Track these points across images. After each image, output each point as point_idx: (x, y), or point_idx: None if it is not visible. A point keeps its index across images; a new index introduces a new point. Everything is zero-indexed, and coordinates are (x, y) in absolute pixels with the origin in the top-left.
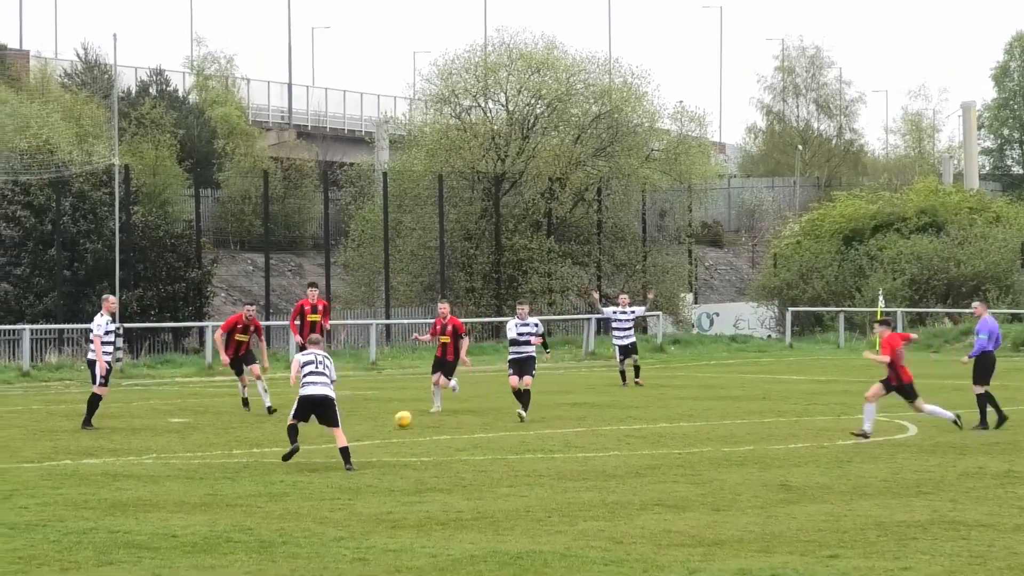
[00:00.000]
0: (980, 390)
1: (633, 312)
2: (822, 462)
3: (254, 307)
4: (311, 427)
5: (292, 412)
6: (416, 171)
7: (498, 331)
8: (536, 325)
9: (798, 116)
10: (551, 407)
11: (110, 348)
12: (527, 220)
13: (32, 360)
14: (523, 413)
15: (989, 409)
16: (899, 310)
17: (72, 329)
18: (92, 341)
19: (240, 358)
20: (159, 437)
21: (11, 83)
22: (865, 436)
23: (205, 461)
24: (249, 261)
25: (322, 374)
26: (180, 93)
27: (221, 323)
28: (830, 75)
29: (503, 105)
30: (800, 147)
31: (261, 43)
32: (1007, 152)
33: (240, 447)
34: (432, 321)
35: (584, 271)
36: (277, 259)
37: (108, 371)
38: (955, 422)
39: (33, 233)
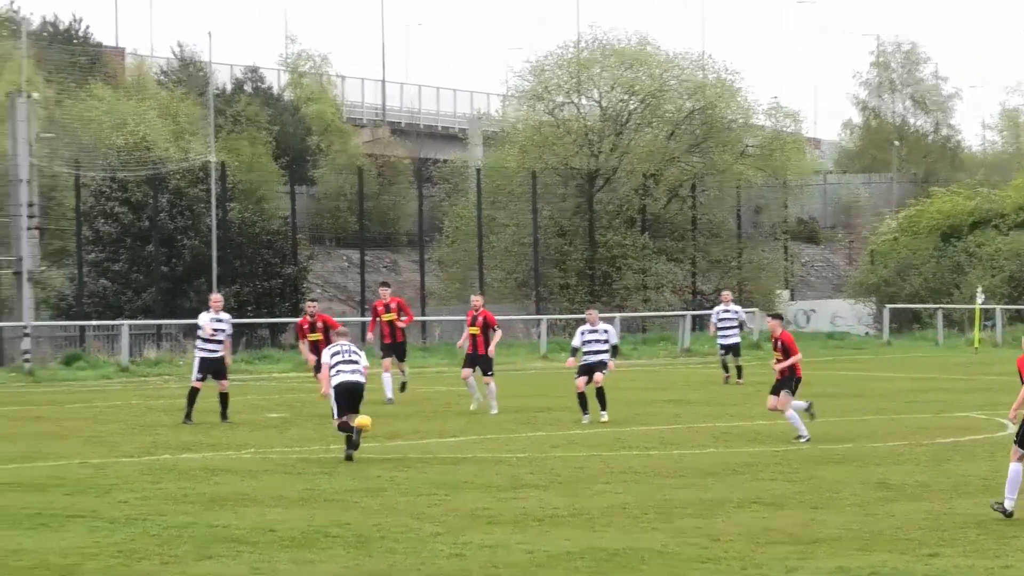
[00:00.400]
0: None
1: (736, 312)
2: (921, 460)
3: (315, 303)
4: (410, 422)
5: (335, 411)
6: (510, 167)
7: None
8: (606, 332)
9: (894, 112)
10: (647, 404)
11: (213, 345)
12: (621, 216)
13: (131, 355)
14: (592, 417)
15: None
16: (998, 307)
17: (170, 325)
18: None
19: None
20: (257, 432)
21: (108, 81)
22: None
23: (303, 456)
24: (344, 257)
25: (354, 362)
26: (275, 90)
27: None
28: (926, 71)
29: (596, 101)
30: (896, 143)
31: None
32: None
33: (337, 442)
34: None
35: (679, 267)
36: (372, 255)
37: (208, 367)
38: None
39: (131, 229)
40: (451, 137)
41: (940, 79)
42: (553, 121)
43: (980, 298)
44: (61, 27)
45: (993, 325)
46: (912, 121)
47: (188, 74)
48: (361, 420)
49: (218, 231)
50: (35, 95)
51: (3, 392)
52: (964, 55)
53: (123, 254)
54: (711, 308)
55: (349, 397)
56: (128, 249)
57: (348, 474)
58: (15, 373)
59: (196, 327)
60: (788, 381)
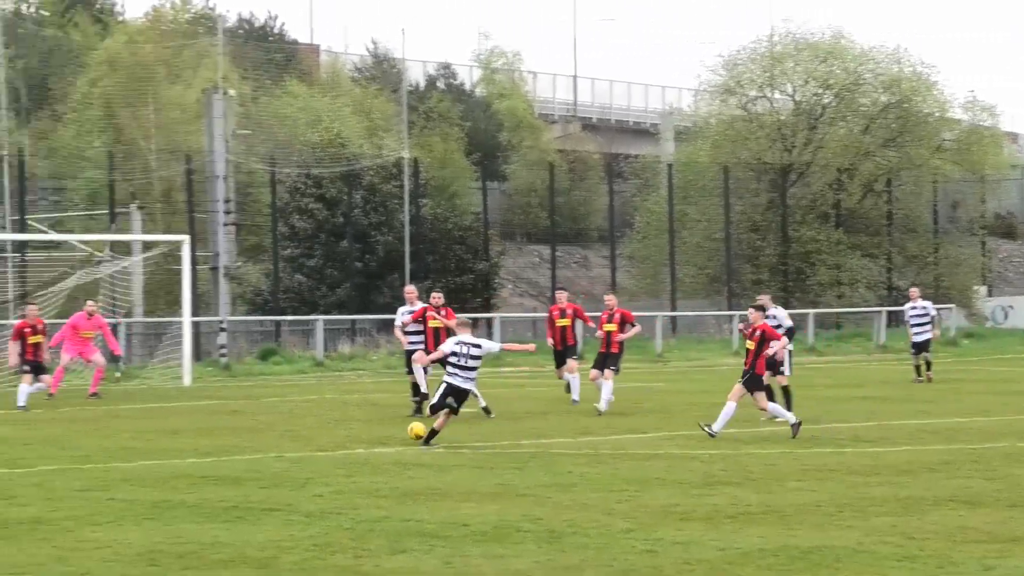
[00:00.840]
0: None
1: (925, 308)
2: None
3: (440, 294)
4: (602, 418)
5: (437, 397)
6: (701, 162)
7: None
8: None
9: None
10: (841, 401)
11: (414, 337)
12: (814, 211)
13: (325, 350)
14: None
15: None
16: None
17: (363, 320)
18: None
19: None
20: (449, 427)
21: (303, 78)
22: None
23: (494, 451)
24: (535, 253)
25: (466, 368)
26: (467, 87)
27: (507, 315)
28: None
29: (789, 95)
30: None
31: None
32: None
33: (528, 437)
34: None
35: (873, 263)
36: (563, 251)
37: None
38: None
39: (325, 225)
40: (642, 132)
41: None
42: (746, 116)
43: None
44: (257, 24)
45: None
46: None
47: (382, 71)
48: (418, 428)
49: (411, 227)
50: (231, 92)
51: (200, 386)
52: None
53: (318, 250)
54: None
55: (453, 395)
56: (323, 245)
57: (539, 469)
58: (212, 368)
59: (391, 322)
60: (760, 378)
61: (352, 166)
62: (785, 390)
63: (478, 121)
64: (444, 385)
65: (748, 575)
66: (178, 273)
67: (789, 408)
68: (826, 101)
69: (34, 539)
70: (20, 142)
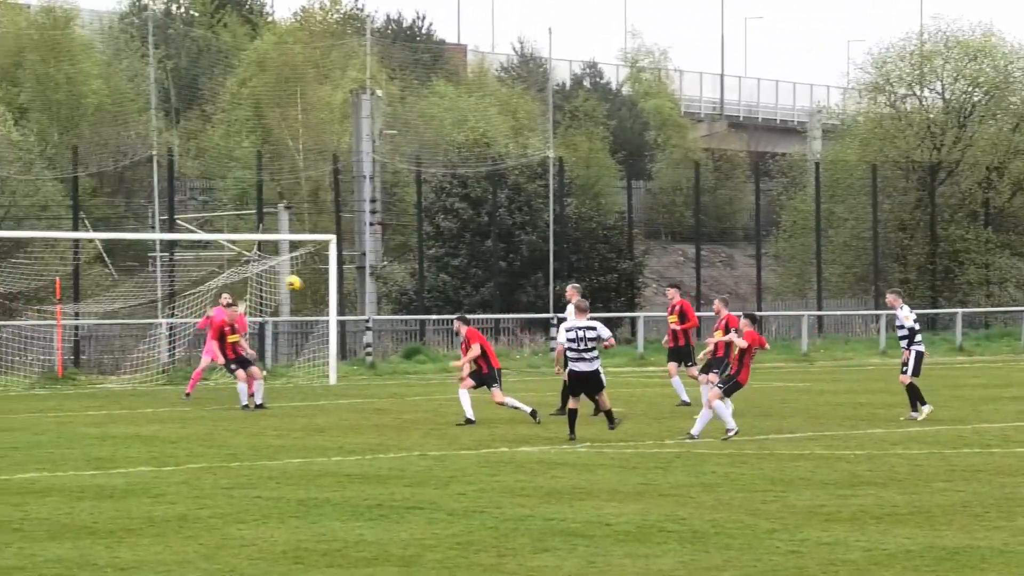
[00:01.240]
0: None
1: None
2: None
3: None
4: (746, 418)
5: (569, 392)
6: (849, 161)
7: (933, 323)
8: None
9: None
10: (989, 401)
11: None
12: (963, 210)
13: None
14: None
15: None
16: None
17: (508, 319)
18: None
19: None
20: (592, 426)
21: (449, 77)
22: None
23: (637, 451)
24: (680, 252)
25: (585, 350)
26: (613, 85)
27: (656, 313)
28: None
29: (939, 93)
30: None
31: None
32: None
33: (672, 437)
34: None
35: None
36: (707, 250)
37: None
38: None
39: (470, 225)
40: (789, 130)
41: None
42: (894, 114)
43: None
44: (404, 25)
45: None
46: None
47: (528, 70)
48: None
49: (555, 226)
50: (379, 92)
51: (346, 385)
52: None
53: (462, 249)
54: None
55: (581, 384)
56: (467, 244)
57: (683, 469)
58: (357, 366)
59: (532, 322)
60: (719, 361)
61: (497, 165)
62: (910, 388)
63: (624, 120)
64: (568, 371)
65: None
66: (325, 272)
67: (922, 401)
68: (976, 99)
69: (181, 537)
70: (170, 142)
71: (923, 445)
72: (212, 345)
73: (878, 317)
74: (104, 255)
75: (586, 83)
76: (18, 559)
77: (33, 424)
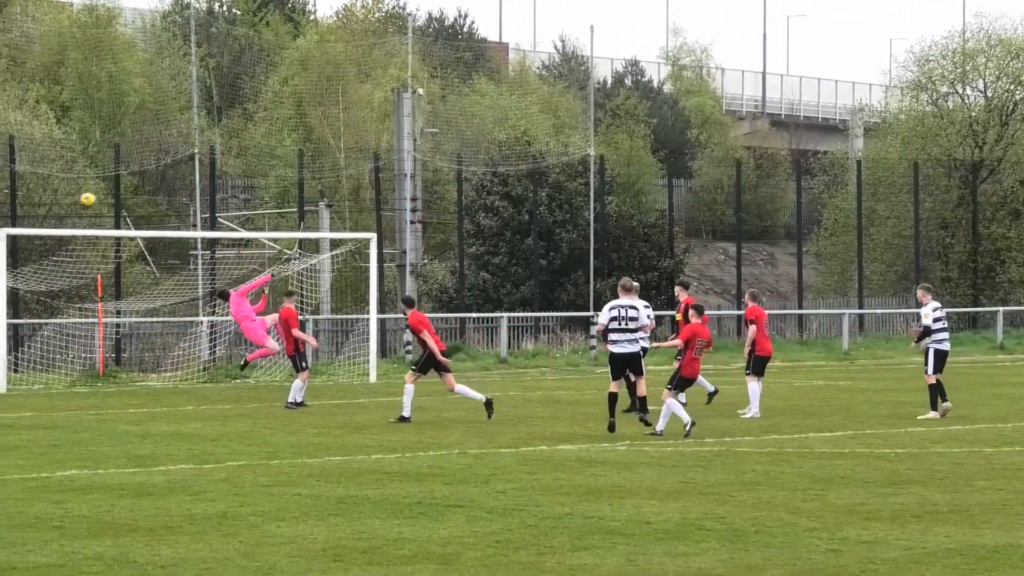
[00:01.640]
0: None
1: None
2: None
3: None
4: (785, 417)
5: (610, 374)
6: (891, 159)
7: (975, 321)
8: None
9: None
10: None
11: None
12: (1005, 208)
13: (509, 347)
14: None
15: None
16: None
17: (548, 317)
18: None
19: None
20: (632, 425)
21: (491, 75)
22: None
23: (677, 449)
24: (721, 250)
25: (627, 330)
26: (654, 84)
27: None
28: None
29: (981, 91)
30: None
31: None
32: None
33: (712, 435)
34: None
35: None
36: (748, 248)
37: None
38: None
39: (511, 223)
40: (831, 128)
41: None
42: (936, 112)
43: None
44: (446, 23)
45: None
46: None
47: (569, 68)
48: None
49: (596, 224)
50: (420, 91)
51: (386, 382)
52: None
53: (503, 247)
54: None
55: (622, 364)
56: (507, 242)
57: (723, 467)
58: (397, 364)
59: (573, 321)
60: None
61: (538, 164)
62: (932, 387)
63: (665, 118)
64: (609, 355)
65: (934, 575)
66: (365, 270)
67: (944, 398)
68: (1018, 97)
69: (221, 534)
70: (211, 140)
71: (964, 444)
72: (289, 334)
73: (919, 316)
74: (146, 253)
75: (627, 81)
76: (59, 556)
77: (74, 422)
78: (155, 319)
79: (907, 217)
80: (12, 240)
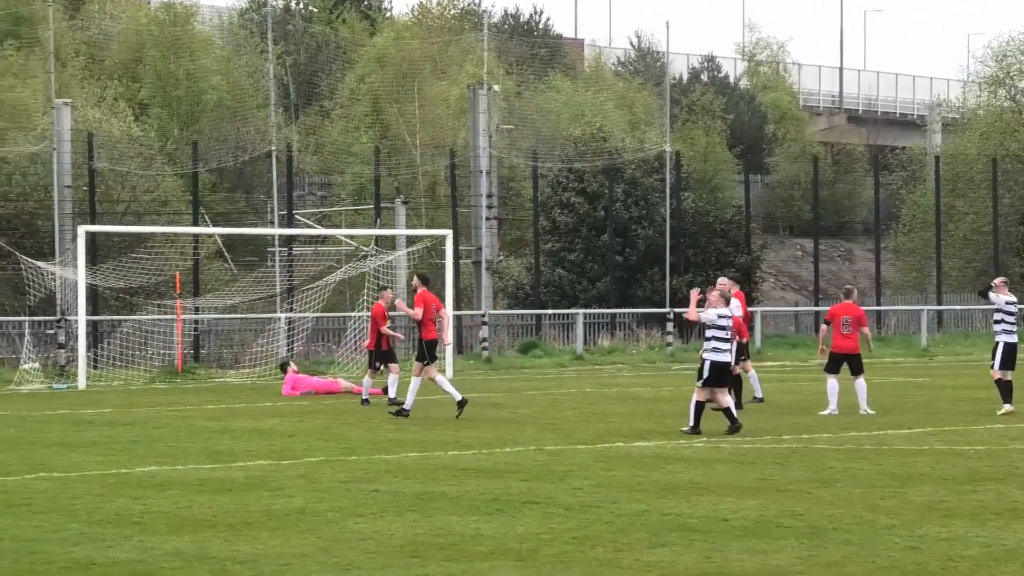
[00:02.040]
0: None
1: None
2: None
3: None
4: (856, 415)
5: (701, 380)
6: (969, 154)
7: None
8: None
9: None
10: None
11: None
12: None
13: (585, 344)
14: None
15: None
16: None
17: (624, 314)
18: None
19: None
20: (710, 422)
21: (566, 72)
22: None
23: (755, 446)
24: (798, 246)
25: (722, 339)
26: (731, 79)
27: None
28: None
29: None
30: None
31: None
32: None
33: (789, 432)
34: None
35: None
36: (826, 244)
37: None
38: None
39: (586, 219)
40: (909, 124)
41: None
42: (1015, 107)
43: None
44: (522, 19)
45: None
46: None
47: (645, 64)
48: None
49: (672, 221)
50: (496, 87)
51: (462, 379)
52: None
53: (578, 244)
54: None
55: (715, 374)
56: (583, 239)
57: (801, 464)
58: (473, 360)
59: (649, 317)
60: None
61: (614, 160)
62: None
63: (741, 113)
64: (705, 363)
65: (1013, 572)
66: (441, 267)
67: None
68: None
69: (299, 530)
70: (289, 138)
71: None
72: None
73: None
74: (223, 250)
75: (704, 77)
76: (138, 552)
77: (153, 418)
78: (233, 316)
79: (986, 213)
80: (91, 237)
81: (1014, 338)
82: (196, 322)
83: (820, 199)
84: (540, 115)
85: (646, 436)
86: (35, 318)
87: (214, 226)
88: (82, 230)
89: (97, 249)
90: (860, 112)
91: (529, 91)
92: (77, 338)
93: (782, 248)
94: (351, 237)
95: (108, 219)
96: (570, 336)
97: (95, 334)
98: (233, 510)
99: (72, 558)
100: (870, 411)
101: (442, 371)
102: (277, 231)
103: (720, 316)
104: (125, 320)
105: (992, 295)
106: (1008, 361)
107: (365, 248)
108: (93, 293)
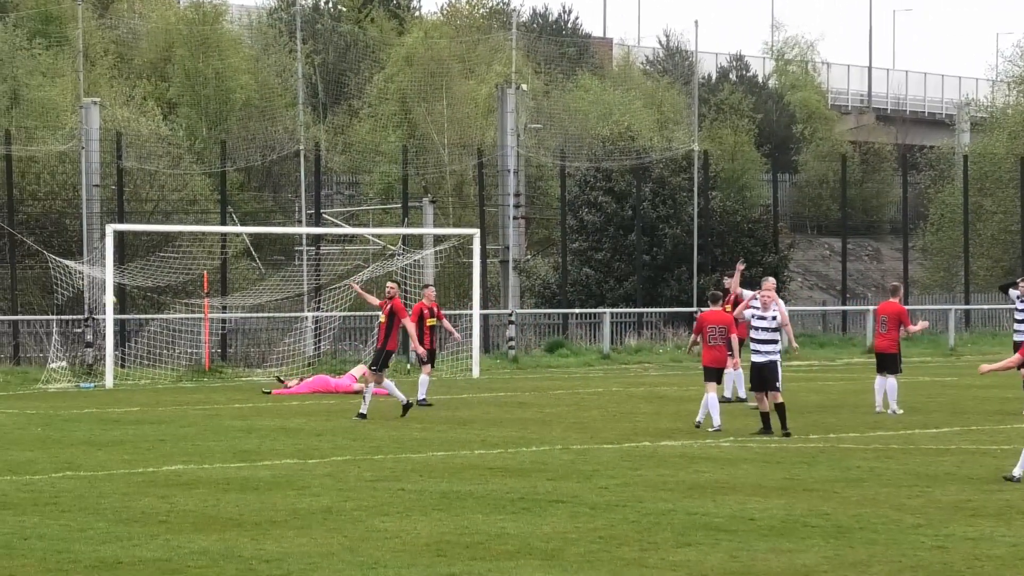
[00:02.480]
0: None
1: None
2: None
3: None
4: (883, 415)
5: (752, 385)
6: (997, 154)
7: None
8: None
9: None
10: None
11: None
12: None
13: (612, 343)
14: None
15: None
16: None
17: (651, 313)
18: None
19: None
20: (736, 420)
21: (595, 71)
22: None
23: (782, 445)
24: (826, 246)
25: (767, 342)
26: (759, 78)
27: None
28: None
29: None
30: None
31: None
32: None
33: (816, 432)
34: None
35: None
36: (854, 243)
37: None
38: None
39: (614, 219)
40: (937, 123)
41: None
42: None
43: None
44: (550, 19)
45: None
46: None
47: (673, 63)
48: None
49: (699, 220)
50: (524, 86)
51: (488, 378)
52: None
53: (606, 243)
54: None
55: (758, 373)
56: (611, 238)
57: (827, 464)
58: (500, 360)
59: (676, 316)
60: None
61: (642, 159)
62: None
63: (770, 113)
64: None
65: None
66: (468, 266)
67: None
68: None
69: (326, 529)
70: (317, 137)
71: None
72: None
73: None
74: (251, 249)
75: (732, 76)
76: (164, 551)
77: (180, 416)
78: (260, 315)
79: (1014, 212)
80: (119, 236)
81: None
82: (223, 321)
83: (848, 198)
84: (568, 114)
85: (672, 435)
86: (63, 317)
87: (242, 225)
88: (110, 229)
89: (125, 248)
90: (888, 111)
91: (557, 90)
92: (105, 337)
93: (810, 247)
94: (379, 236)
95: (136, 218)
96: (597, 335)
97: (122, 333)
98: (259, 509)
99: (99, 557)
100: (898, 410)
101: (469, 370)
102: (305, 230)
103: (755, 317)
104: (153, 319)
105: (1012, 292)
106: None
107: (392, 247)
108: (121, 292)
